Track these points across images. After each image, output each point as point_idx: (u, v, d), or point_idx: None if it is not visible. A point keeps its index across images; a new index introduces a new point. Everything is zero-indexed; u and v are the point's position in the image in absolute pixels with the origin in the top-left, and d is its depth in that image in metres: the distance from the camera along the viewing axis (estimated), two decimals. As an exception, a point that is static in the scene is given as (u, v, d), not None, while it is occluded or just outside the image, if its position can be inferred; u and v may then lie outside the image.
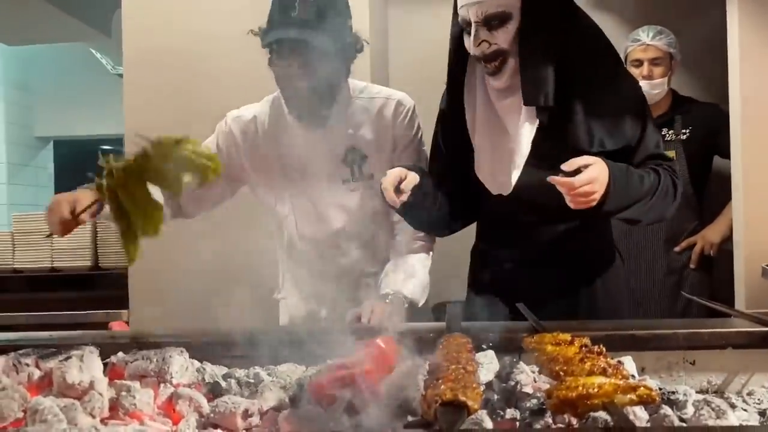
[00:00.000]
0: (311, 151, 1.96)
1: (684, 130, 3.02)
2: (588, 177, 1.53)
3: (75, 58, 5.87)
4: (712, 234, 3.01)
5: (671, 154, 3.00)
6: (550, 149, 1.70)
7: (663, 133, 3.00)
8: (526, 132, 1.74)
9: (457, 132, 1.85)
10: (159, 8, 3.08)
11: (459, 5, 1.72)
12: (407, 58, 3.83)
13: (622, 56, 3.01)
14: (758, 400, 1.18)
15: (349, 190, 1.97)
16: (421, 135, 2.05)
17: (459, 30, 1.77)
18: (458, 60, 1.81)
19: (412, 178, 1.68)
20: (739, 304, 2.79)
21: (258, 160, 2.01)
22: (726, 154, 2.86)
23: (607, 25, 3.60)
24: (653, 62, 2.98)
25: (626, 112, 1.75)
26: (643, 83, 2.90)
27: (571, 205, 1.57)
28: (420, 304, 1.94)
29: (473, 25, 1.68)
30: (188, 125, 2.83)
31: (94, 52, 5.60)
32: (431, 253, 2.05)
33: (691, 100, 3.13)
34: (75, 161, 6.88)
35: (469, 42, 1.71)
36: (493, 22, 1.67)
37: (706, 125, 3.01)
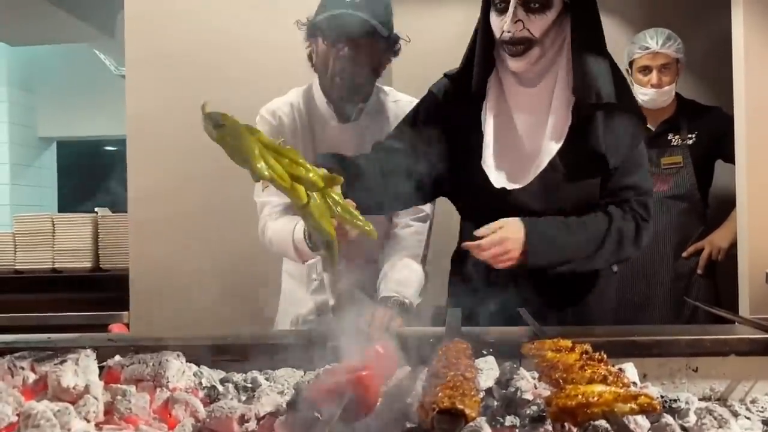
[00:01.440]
0: (341, 142, 2.01)
1: (690, 135, 3.00)
2: (497, 238, 1.59)
3: (78, 59, 5.87)
4: (719, 239, 2.98)
5: (677, 159, 2.99)
6: (571, 150, 1.69)
7: (669, 138, 3.01)
8: (555, 128, 1.70)
9: (464, 117, 1.78)
10: (161, 10, 3.07)
11: None
12: (411, 58, 3.83)
13: (625, 61, 3.00)
14: (761, 408, 1.17)
15: None
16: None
17: (487, 11, 1.71)
18: (485, 43, 1.73)
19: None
20: (743, 309, 2.78)
21: (299, 147, 2.05)
22: (730, 159, 2.84)
23: (610, 27, 3.60)
24: (662, 69, 2.93)
25: (627, 131, 1.73)
26: (650, 91, 2.92)
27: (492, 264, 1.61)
28: (416, 304, 1.96)
29: (512, 2, 1.62)
30: (190, 127, 2.85)
31: (97, 53, 5.60)
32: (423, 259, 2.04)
33: (695, 103, 3.10)
34: (78, 162, 6.91)
35: (499, 21, 1.65)
36: (533, 4, 1.62)
37: (712, 129, 2.98)
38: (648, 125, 3.03)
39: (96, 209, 4.02)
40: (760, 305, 2.70)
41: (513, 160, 1.74)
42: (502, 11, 1.64)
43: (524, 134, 1.72)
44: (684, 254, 3.00)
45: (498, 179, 1.73)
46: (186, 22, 3.04)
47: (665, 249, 3.01)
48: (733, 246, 2.90)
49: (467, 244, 1.60)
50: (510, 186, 1.73)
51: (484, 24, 1.72)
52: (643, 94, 2.94)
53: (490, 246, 1.59)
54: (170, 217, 2.77)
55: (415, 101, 2.01)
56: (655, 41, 2.93)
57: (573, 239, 1.67)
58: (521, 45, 1.64)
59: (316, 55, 1.97)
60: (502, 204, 1.72)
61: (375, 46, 1.93)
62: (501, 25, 1.64)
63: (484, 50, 1.73)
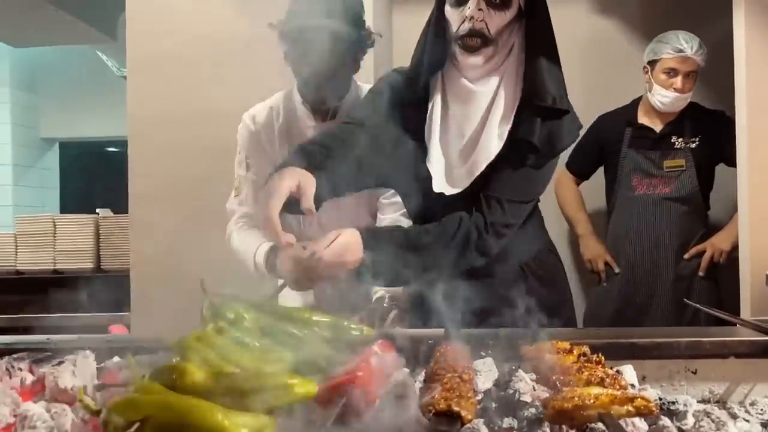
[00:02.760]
0: None
1: (694, 138, 2.99)
2: (338, 246, 1.49)
3: (81, 60, 5.88)
4: (721, 241, 2.98)
5: (680, 162, 2.99)
6: (516, 150, 1.65)
7: (672, 140, 3.00)
8: (497, 130, 1.66)
9: (412, 115, 1.72)
10: (163, 12, 3.08)
11: None
12: (407, 58, 3.83)
13: (645, 59, 2.99)
14: (761, 410, 1.16)
15: None
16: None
17: (441, 7, 1.67)
18: (436, 39, 1.68)
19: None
20: (745, 312, 2.77)
21: (277, 151, 2.09)
22: (733, 163, 2.83)
23: (612, 31, 3.61)
24: (687, 75, 2.90)
25: (561, 141, 1.69)
26: (671, 94, 2.90)
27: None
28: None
29: None
30: (191, 129, 2.85)
31: (100, 54, 5.61)
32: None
33: (699, 106, 3.09)
34: (81, 163, 6.91)
35: (458, 14, 1.61)
36: (495, 0, 1.60)
37: (715, 133, 2.97)
38: (653, 127, 3.04)
39: (97, 210, 4.03)
40: (762, 307, 2.70)
41: (453, 163, 1.70)
42: (461, 2, 1.61)
43: (466, 135, 1.68)
44: (686, 256, 3.00)
45: (438, 183, 1.70)
46: (187, 23, 3.04)
47: (666, 251, 3.01)
48: (735, 249, 2.89)
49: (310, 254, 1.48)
50: (448, 191, 1.69)
51: (437, 20, 1.69)
52: (663, 96, 2.93)
53: (332, 257, 1.48)
54: (171, 218, 2.77)
55: None
56: (690, 46, 2.87)
57: (404, 242, 1.59)
58: (478, 38, 1.60)
59: (289, 60, 1.99)
60: (441, 207, 1.67)
61: (344, 49, 1.93)
62: (460, 17, 1.61)
63: (434, 46, 1.68)
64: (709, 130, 2.99)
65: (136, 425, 0.83)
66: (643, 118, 3.07)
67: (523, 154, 1.65)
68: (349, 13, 1.93)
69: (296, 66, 1.97)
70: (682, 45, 2.88)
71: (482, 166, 1.66)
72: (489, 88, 1.67)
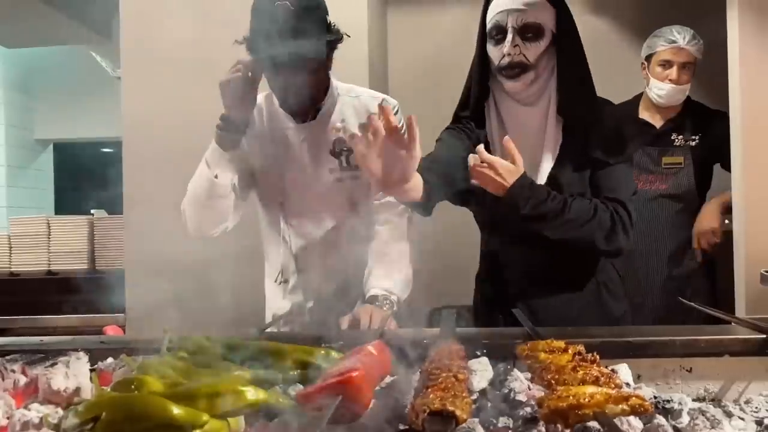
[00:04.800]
0: (302, 142, 2.04)
1: (693, 137, 2.99)
2: (507, 163, 1.70)
3: (75, 61, 5.87)
4: (706, 222, 2.95)
5: (679, 159, 2.98)
6: (563, 166, 1.85)
7: (672, 137, 3.00)
8: (550, 146, 1.86)
9: (471, 138, 1.92)
10: (157, 12, 3.08)
11: (494, 11, 1.82)
12: (406, 61, 3.84)
13: (642, 54, 3.00)
14: (756, 408, 1.16)
15: (336, 180, 2.03)
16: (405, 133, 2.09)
17: (483, 40, 1.87)
18: (481, 72, 1.89)
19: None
20: (740, 310, 2.78)
21: (259, 153, 2.06)
22: (728, 166, 2.83)
23: (605, 29, 3.61)
24: (683, 66, 2.91)
25: (610, 149, 1.87)
26: (667, 86, 2.91)
27: (473, 179, 1.72)
28: (404, 299, 1.97)
29: (509, 30, 1.79)
30: (186, 129, 2.84)
31: (94, 54, 5.60)
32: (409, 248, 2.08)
33: (702, 105, 3.09)
34: (75, 164, 6.89)
35: (497, 50, 1.82)
36: (528, 34, 1.79)
37: (715, 133, 2.96)
38: (653, 123, 3.03)
39: (92, 211, 4.02)
40: (757, 306, 2.70)
41: None
42: (500, 41, 1.81)
43: (523, 152, 1.82)
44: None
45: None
46: (181, 23, 3.03)
47: (660, 248, 3.00)
48: (724, 223, 2.88)
49: (481, 151, 1.70)
50: None
51: (479, 57, 1.89)
52: (659, 88, 2.93)
53: (501, 166, 1.69)
54: (166, 218, 2.76)
55: (375, 94, 2.09)
56: (682, 36, 2.90)
57: (547, 201, 1.76)
58: (518, 68, 1.80)
59: (259, 71, 1.93)
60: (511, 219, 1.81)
61: (313, 58, 1.88)
62: (500, 52, 1.81)
63: (480, 78, 1.89)
64: (709, 129, 2.98)
65: (90, 425, 0.87)
66: (643, 114, 3.07)
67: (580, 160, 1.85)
68: (313, 18, 1.87)
69: (269, 77, 1.92)
70: (674, 36, 2.91)
71: (543, 180, 1.84)
72: (538, 108, 1.87)
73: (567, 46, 1.84)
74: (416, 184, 1.54)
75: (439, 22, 3.87)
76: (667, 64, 2.92)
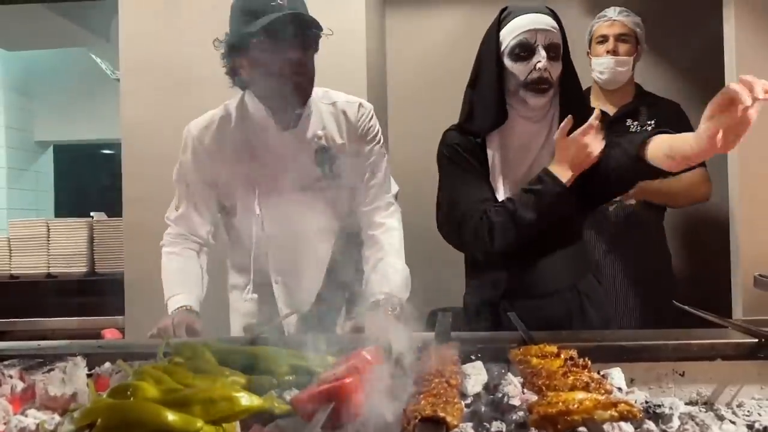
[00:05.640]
0: (283, 150, 2.00)
1: (649, 122, 2.91)
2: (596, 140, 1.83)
3: (75, 63, 5.87)
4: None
5: None
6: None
7: (627, 123, 2.92)
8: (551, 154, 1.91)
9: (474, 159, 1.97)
10: (155, 15, 3.08)
11: (518, 30, 1.88)
12: (405, 63, 3.84)
13: (586, 43, 2.97)
14: (747, 411, 1.17)
15: (319, 189, 2.01)
16: (381, 135, 2.13)
17: (498, 60, 1.91)
18: (500, 88, 1.92)
19: None
20: (737, 313, 2.79)
21: (229, 163, 2.02)
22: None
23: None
24: (619, 38, 2.87)
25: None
26: (607, 59, 2.87)
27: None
28: (405, 298, 1.97)
29: (539, 47, 1.86)
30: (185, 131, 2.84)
31: (94, 57, 5.61)
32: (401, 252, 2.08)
33: (651, 94, 3.04)
34: (75, 166, 6.90)
35: (524, 66, 1.87)
36: (551, 53, 1.87)
37: (671, 122, 2.78)
38: (606, 110, 2.93)
39: (91, 214, 4.03)
40: (754, 308, 2.71)
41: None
42: (525, 58, 1.87)
43: (526, 167, 1.93)
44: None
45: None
46: (179, 27, 3.04)
47: (634, 240, 2.88)
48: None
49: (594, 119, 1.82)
50: None
51: (497, 76, 1.92)
52: (599, 64, 2.89)
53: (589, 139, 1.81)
54: (165, 221, 2.77)
55: (351, 99, 2.09)
56: (613, 10, 2.91)
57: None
58: (545, 84, 1.87)
59: (248, 68, 1.90)
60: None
61: (315, 41, 1.89)
62: (527, 68, 1.87)
63: (498, 98, 1.92)
64: (664, 117, 2.89)
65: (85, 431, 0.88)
66: (595, 103, 2.98)
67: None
68: (298, 12, 1.84)
69: (268, 69, 1.86)
70: (605, 12, 2.92)
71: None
72: (543, 124, 1.95)
73: (568, 65, 1.93)
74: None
75: (437, 24, 3.87)
76: (603, 39, 2.89)
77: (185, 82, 3.00)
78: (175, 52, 3.03)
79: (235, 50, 1.90)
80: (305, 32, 1.84)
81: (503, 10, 1.95)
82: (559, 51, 1.89)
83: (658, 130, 1.75)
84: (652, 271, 2.89)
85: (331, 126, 2.03)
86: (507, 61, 1.91)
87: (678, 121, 2.82)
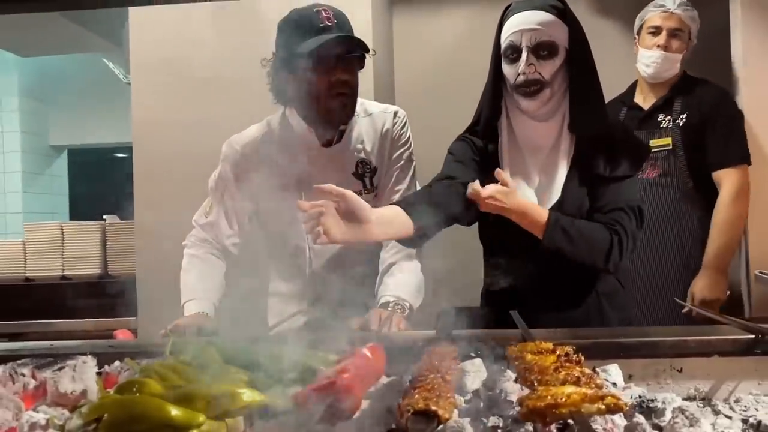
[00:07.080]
0: (325, 165, 2.02)
1: (682, 115, 2.74)
2: (502, 188, 1.72)
3: (88, 68, 5.94)
4: (708, 291, 2.62)
5: (667, 141, 2.76)
6: (574, 180, 1.86)
7: (659, 118, 2.79)
8: (564, 155, 1.87)
9: (483, 153, 1.95)
10: (165, 20, 3.12)
11: (508, 32, 1.84)
12: (412, 67, 3.86)
13: (635, 29, 2.86)
14: (744, 407, 1.18)
15: None
16: (411, 142, 2.15)
17: (498, 60, 1.89)
18: (495, 92, 1.91)
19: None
20: (746, 310, 2.79)
21: (272, 178, 2.02)
22: (715, 157, 2.67)
23: (609, 31, 3.62)
24: (672, 33, 2.72)
25: (620, 164, 1.88)
26: (657, 53, 2.73)
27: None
28: (416, 307, 1.98)
29: (524, 50, 1.81)
30: (194, 134, 2.89)
31: (106, 62, 5.67)
32: (419, 258, 2.07)
33: (695, 82, 2.82)
34: (89, 169, 6.98)
35: (513, 69, 1.84)
36: (542, 52, 1.81)
37: (710, 110, 2.70)
38: (643, 105, 2.85)
39: (104, 216, 4.08)
40: (763, 307, 2.71)
41: (528, 195, 1.88)
42: (514, 60, 1.83)
43: (538, 168, 1.88)
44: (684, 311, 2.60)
45: None
46: (189, 31, 3.08)
47: (659, 239, 2.78)
48: (716, 300, 2.60)
49: (473, 186, 1.72)
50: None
51: (494, 77, 1.91)
52: (647, 57, 2.76)
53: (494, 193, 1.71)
54: (176, 223, 2.81)
55: (387, 108, 2.12)
56: (672, 1, 2.73)
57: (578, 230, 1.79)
58: (534, 86, 1.82)
59: (296, 87, 1.92)
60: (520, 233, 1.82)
61: (361, 62, 1.95)
62: (515, 71, 1.83)
63: (493, 98, 1.92)
64: (700, 106, 2.72)
65: (93, 426, 0.91)
66: (638, 97, 2.89)
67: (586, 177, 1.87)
68: (344, 31, 1.89)
69: (316, 89, 1.89)
70: (663, 1, 2.75)
71: (557, 195, 1.85)
72: (552, 123, 1.88)
73: (580, 62, 1.86)
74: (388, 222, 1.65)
75: (444, 28, 3.88)
76: (656, 30, 2.74)
77: (197, 85, 3.03)
78: (184, 57, 3.06)
79: (283, 70, 1.93)
80: (353, 54, 1.90)
81: (507, 8, 1.90)
82: (555, 47, 1.82)
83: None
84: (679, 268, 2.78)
85: (369, 138, 2.06)
86: (503, 64, 1.88)
87: (718, 108, 2.70)
